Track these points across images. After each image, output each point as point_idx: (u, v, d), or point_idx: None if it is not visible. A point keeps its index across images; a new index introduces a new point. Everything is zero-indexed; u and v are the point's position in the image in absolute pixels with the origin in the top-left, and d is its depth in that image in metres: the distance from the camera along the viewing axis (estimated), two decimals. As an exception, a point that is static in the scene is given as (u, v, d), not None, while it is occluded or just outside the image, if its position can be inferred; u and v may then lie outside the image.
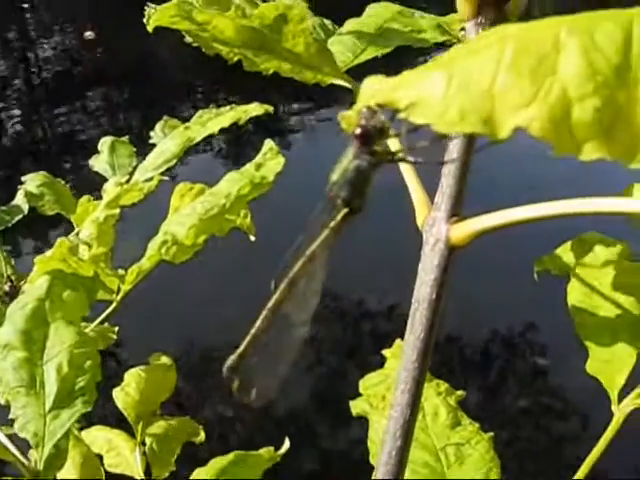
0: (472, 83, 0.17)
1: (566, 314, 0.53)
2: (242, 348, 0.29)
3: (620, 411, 0.46)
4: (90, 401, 0.47)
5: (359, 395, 0.54)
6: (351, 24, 0.56)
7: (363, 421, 0.53)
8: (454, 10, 0.58)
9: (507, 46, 0.17)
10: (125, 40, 4.64)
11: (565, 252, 0.58)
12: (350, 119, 0.24)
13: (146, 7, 0.45)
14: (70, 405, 0.46)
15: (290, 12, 0.41)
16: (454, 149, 0.29)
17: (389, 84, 0.19)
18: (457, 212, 0.30)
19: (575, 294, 0.52)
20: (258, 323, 0.29)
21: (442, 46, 0.55)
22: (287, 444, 0.56)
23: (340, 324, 2.27)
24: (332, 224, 0.29)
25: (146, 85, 4.18)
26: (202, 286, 2.31)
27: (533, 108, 0.17)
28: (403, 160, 0.26)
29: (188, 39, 0.47)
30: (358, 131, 0.25)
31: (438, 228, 0.30)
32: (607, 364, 0.48)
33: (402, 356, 0.31)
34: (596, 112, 0.17)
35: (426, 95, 0.18)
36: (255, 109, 0.76)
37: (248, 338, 0.29)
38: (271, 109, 0.75)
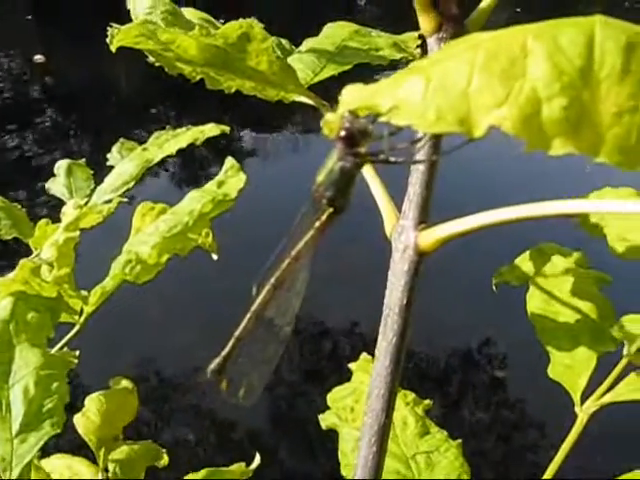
0: (448, 86, 0.18)
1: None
2: (226, 350, 0.29)
3: (583, 412, 0.47)
4: (59, 423, 0.46)
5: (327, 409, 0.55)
6: (310, 43, 0.57)
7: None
8: (408, 29, 0.60)
9: (479, 52, 0.19)
10: (75, 64, 4.61)
11: (524, 262, 0.59)
12: (332, 124, 0.25)
13: (109, 27, 0.45)
14: (38, 428, 0.46)
15: (252, 31, 0.42)
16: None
17: (369, 90, 0.20)
18: (424, 219, 0.31)
19: (535, 302, 0.54)
20: (242, 325, 0.29)
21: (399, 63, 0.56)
22: (258, 459, 0.56)
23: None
24: (317, 224, 0.29)
25: (96, 109, 4.15)
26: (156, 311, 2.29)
27: (505, 108, 0.18)
28: (385, 161, 0.27)
29: (151, 59, 0.48)
30: (343, 134, 0.26)
31: (407, 235, 0.31)
32: (569, 368, 0.49)
33: (375, 362, 0.32)
34: (563, 110, 0.18)
35: (406, 98, 0.19)
36: (212, 130, 0.77)
37: (232, 340, 0.29)
38: (227, 129, 0.76)
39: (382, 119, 0.19)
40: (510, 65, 0.18)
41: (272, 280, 0.29)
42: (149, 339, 2.23)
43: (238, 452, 1.83)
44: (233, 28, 0.41)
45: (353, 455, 0.49)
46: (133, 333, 2.23)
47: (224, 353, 0.29)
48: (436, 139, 0.29)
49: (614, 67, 0.18)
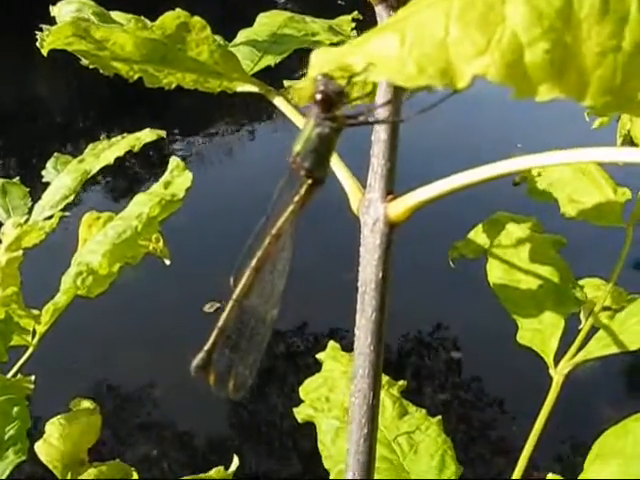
0: (425, 38, 0.18)
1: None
2: (209, 343, 0.28)
3: (558, 374, 0.47)
4: (23, 449, 0.44)
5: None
6: (245, 33, 0.56)
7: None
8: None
9: (453, 2, 0.18)
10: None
11: (478, 235, 0.59)
12: (303, 90, 0.24)
13: (37, 31, 0.43)
14: (2, 457, 0.44)
15: (191, 20, 0.41)
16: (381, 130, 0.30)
17: (338, 51, 0.19)
18: (390, 190, 0.31)
19: (495, 272, 0.54)
20: (224, 315, 0.28)
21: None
22: (236, 461, 0.54)
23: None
24: (296, 198, 0.28)
25: (21, 129, 4.02)
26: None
27: (488, 56, 0.17)
28: (364, 122, 0.26)
29: (84, 62, 0.46)
30: (319, 97, 0.25)
31: (375, 208, 0.30)
32: (538, 332, 0.49)
33: (355, 341, 0.31)
34: (546, 54, 0.17)
35: (382, 54, 0.18)
36: (147, 135, 0.75)
37: (215, 332, 0.28)
38: (163, 134, 0.74)
39: (357, 79, 0.19)
40: (488, 11, 0.18)
41: (253, 262, 0.28)
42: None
43: (202, 463, 1.80)
44: (171, 18, 0.40)
45: (334, 446, 0.48)
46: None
47: (207, 347, 0.28)
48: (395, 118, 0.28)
49: (593, 6, 0.17)
